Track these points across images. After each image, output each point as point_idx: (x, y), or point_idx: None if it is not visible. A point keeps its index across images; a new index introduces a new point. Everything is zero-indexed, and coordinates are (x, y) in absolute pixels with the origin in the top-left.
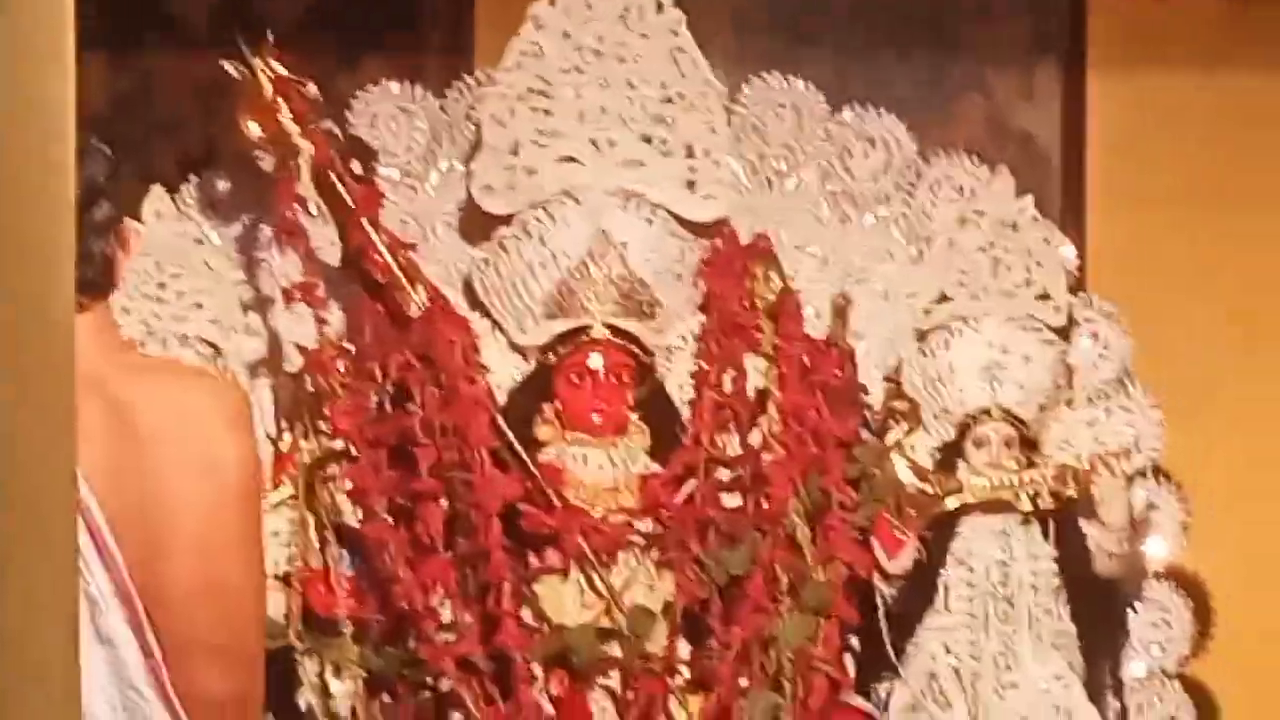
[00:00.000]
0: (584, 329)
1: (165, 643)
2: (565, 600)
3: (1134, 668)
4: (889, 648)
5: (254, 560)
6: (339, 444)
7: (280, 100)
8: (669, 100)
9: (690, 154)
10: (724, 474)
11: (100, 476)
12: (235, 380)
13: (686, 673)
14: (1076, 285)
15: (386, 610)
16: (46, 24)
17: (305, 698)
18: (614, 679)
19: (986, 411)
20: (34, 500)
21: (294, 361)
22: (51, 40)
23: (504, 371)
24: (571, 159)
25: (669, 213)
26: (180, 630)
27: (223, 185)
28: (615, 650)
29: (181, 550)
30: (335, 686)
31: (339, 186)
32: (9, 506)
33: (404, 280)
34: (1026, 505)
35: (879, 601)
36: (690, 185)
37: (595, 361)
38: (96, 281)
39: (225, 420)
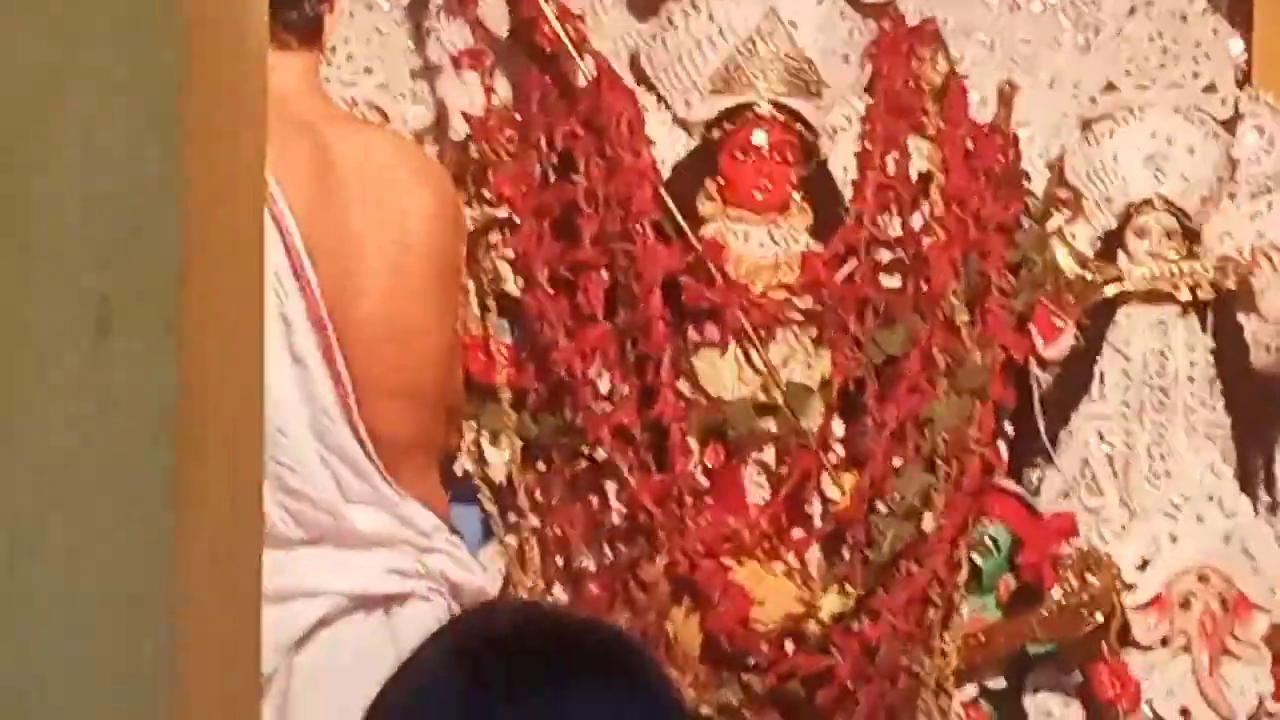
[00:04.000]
0: (749, 105)
1: (354, 378)
2: (723, 374)
3: None
4: (1043, 433)
5: (442, 310)
6: (502, 212)
7: None
8: None
9: None
10: (884, 255)
11: (304, 209)
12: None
13: (841, 450)
14: (1244, 79)
15: (544, 379)
16: None
17: (462, 464)
18: (769, 453)
19: (1149, 201)
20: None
21: (460, 129)
22: None
23: (668, 146)
24: None
25: None
26: (368, 367)
27: None
28: (771, 425)
29: (373, 290)
30: (491, 453)
31: None
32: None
33: (572, 51)
34: (1185, 296)
35: (1034, 387)
36: None
37: (759, 138)
38: (307, 32)
39: (412, 172)
